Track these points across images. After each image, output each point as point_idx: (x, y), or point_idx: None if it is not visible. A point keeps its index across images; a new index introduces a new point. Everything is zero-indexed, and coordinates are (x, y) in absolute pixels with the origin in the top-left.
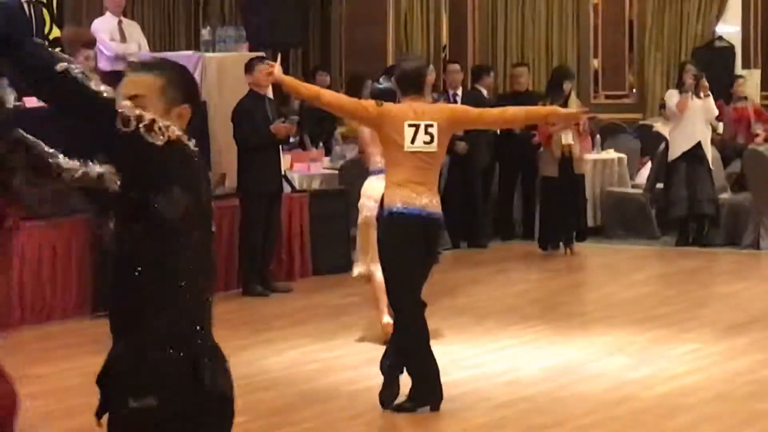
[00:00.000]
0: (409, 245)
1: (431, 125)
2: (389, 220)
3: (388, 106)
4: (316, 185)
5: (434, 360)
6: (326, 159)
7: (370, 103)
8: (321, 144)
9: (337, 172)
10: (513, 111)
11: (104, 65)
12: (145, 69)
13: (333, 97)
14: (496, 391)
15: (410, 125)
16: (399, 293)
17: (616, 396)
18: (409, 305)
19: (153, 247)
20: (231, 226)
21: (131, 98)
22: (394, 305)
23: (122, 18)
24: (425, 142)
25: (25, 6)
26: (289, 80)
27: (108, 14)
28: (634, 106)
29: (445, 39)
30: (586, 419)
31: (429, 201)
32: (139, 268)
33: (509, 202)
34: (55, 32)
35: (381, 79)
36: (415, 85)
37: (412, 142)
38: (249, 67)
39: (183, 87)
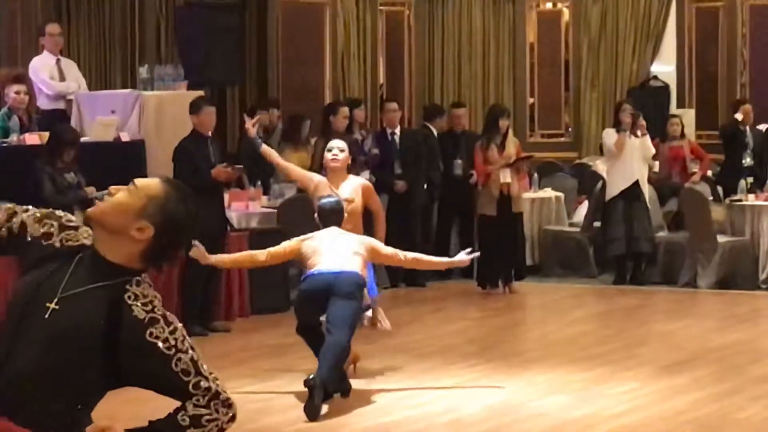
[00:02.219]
0: (308, 302)
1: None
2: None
3: (308, 241)
4: (254, 224)
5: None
6: (264, 198)
7: (294, 244)
8: (259, 182)
9: (275, 210)
10: (407, 258)
11: (44, 104)
12: (164, 179)
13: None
14: (437, 431)
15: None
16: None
17: None
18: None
19: None
20: None
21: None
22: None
23: (60, 57)
24: None
25: None
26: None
27: (46, 53)
28: (570, 145)
29: (381, 78)
30: None
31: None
32: None
33: (446, 242)
34: None
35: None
36: (334, 220)
37: None
38: (195, 107)
39: (163, 215)
